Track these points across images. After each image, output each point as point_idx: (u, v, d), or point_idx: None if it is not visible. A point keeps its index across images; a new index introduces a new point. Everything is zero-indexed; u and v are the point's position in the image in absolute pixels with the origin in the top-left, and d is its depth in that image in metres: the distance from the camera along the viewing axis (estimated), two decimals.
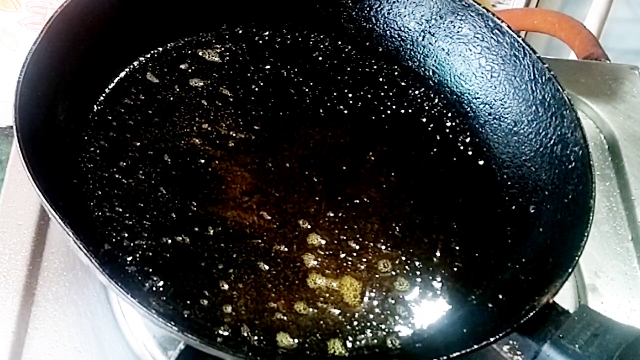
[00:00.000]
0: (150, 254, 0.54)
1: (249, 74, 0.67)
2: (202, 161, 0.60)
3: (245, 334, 0.51)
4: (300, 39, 0.71)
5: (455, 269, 0.58)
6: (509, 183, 0.63)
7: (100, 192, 0.56)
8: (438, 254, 0.59)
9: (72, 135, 0.58)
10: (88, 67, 0.60)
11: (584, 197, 0.55)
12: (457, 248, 0.59)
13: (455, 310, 0.56)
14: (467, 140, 0.66)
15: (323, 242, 0.58)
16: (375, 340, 0.53)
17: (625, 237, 0.71)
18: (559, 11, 1.10)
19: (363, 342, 0.53)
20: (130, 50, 0.65)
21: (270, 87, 0.67)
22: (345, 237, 0.58)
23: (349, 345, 0.53)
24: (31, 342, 0.58)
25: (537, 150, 0.62)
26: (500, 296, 0.54)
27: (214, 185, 0.59)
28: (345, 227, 0.59)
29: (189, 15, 0.67)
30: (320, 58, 0.70)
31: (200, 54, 0.67)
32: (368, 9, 0.70)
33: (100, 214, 0.55)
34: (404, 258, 0.58)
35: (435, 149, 0.66)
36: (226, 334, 0.51)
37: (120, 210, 0.55)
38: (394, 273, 0.57)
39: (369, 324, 0.54)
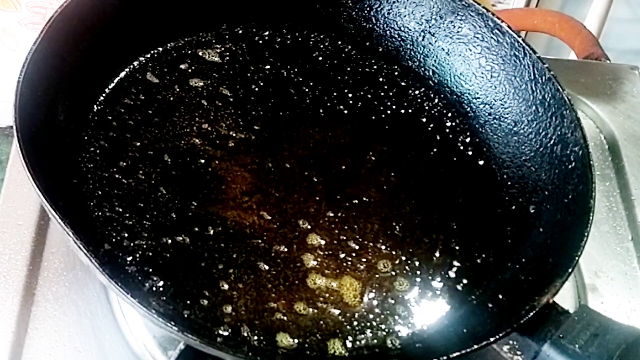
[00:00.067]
0: (150, 254, 0.54)
1: (249, 74, 0.67)
2: (202, 161, 0.60)
3: (245, 334, 0.51)
4: (300, 39, 0.71)
5: (455, 269, 0.58)
6: (509, 183, 0.63)
7: (100, 192, 0.56)
8: (438, 254, 0.59)
9: (72, 135, 0.58)
10: (88, 67, 0.60)
11: (584, 197, 0.55)
12: (457, 248, 0.59)
13: (455, 310, 0.56)
14: (467, 140, 0.66)
15: (323, 242, 0.58)
16: (375, 340, 0.53)
17: (625, 237, 0.71)
18: (559, 11, 1.10)
19: (363, 342, 0.53)
20: (130, 50, 0.65)
21: (270, 87, 0.67)
22: (345, 237, 0.58)
23: (349, 345, 0.53)
24: (31, 342, 0.58)
25: (537, 150, 0.62)
26: (500, 296, 0.54)
27: (214, 185, 0.59)
28: (345, 227, 0.59)
29: (189, 15, 0.67)
30: (320, 58, 0.70)
31: (200, 54, 0.67)
32: (368, 9, 0.70)
33: (100, 214, 0.55)
34: (403, 258, 0.58)
35: (435, 149, 0.66)
36: (226, 334, 0.51)
37: (120, 210, 0.55)
38: (393, 273, 0.57)
39: (368, 324, 0.54)
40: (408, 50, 0.70)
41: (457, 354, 0.47)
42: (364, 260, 0.57)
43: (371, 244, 0.58)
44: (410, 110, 0.68)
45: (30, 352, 0.57)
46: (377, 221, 0.60)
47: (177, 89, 0.64)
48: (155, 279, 0.52)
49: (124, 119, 0.61)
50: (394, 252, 0.58)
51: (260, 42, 0.70)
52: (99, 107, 0.61)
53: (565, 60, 0.99)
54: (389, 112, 0.67)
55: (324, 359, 0.52)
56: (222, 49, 0.68)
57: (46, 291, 0.60)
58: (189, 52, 0.67)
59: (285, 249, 0.57)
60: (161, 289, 0.52)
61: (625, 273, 0.69)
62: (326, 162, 0.63)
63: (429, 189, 0.63)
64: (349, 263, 0.57)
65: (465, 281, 0.57)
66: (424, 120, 0.67)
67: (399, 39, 0.70)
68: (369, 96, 0.68)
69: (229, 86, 0.66)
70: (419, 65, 0.70)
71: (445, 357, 0.46)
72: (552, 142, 0.61)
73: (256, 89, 0.66)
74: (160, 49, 0.66)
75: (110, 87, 0.62)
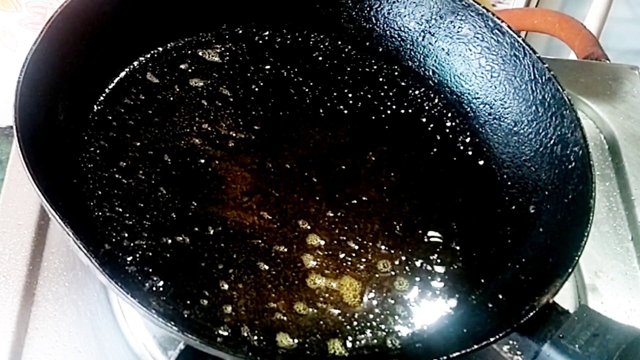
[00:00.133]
0: (150, 254, 0.54)
1: (249, 74, 0.67)
2: (202, 161, 0.60)
3: (245, 334, 0.51)
4: (300, 39, 0.71)
5: (455, 269, 0.58)
6: (509, 183, 0.63)
7: (100, 192, 0.56)
8: (438, 253, 0.59)
9: (72, 135, 0.58)
10: (88, 67, 0.60)
11: (584, 197, 0.55)
12: (457, 248, 0.59)
13: (455, 310, 0.56)
14: (467, 140, 0.66)
15: (322, 242, 0.58)
16: (375, 340, 0.53)
17: (625, 237, 0.71)
18: (559, 11, 1.10)
19: (363, 342, 0.53)
20: (130, 50, 0.65)
21: (270, 87, 0.67)
22: (344, 237, 0.58)
23: (349, 345, 0.53)
24: (31, 342, 0.58)
25: (537, 150, 0.62)
26: (500, 296, 0.54)
27: (214, 185, 0.59)
28: (345, 227, 0.59)
29: (189, 15, 0.67)
30: (320, 58, 0.70)
31: (200, 54, 0.67)
32: (368, 9, 0.70)
33: (100, 214, 0.55)
34: (403, 258, 0.58)
35: (435, 149, 0.66)
36: (226, 334, 0.51)
37: (120, 210, 0.55)
38: (393, 273, 0.57)
39: (368, 324, 0.54)
40: (408, 50, 0.70)
41: (457, 354, 0.47)
42: (363, 260, 0.57)
43: (371, 244, 0.58)
44: (410, 110, 0.68)
45: (30, 352, 0.57)
46: (377, 221, 0.60)
47: (177, 89, 0.64)
48: (155, 279, 0.52)
49: (124, 119, 0.61)
50: (393, 252, 0.58)
51: (260, 42, 0.70)
52: (99, 107, 0.61)
53: (565, 60, 0.99)
54: (389, 112, 0.67)
55: (324, 359, 0.52)
56: (222, 49, 0.68)
57: (46, 291, 0.60)
58: (189, 52, 0.67)
59: (285, 249, 0.57)
60: (161, 289, 0.52)
61: (625, 273, 0.69)
62: (326, 162, 0.63)
63: (429, 189, 0.63)
64: (349, 263, 0.57)
65: (465, 281, 0.57)
66: (424, 120, 0.67)
67: (399, 39, 0.70)
68: (369, 96, 0.68)
69: (229, 86, 0.66)
70: (419, 65, 0.70)
71: (445, 357, 0.47)
72: (552, 142, 0.61)
73: (256, 89, 0.66)
74: (160, 49, 0.66)
75: (110, 87, 0.62)
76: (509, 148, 0.64)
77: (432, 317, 0.55)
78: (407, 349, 0.53)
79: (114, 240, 0.54)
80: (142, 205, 0.56)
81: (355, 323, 0.54)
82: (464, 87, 0.67)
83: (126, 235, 0.54)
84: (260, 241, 0.57)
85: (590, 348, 0.47)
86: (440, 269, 0.58)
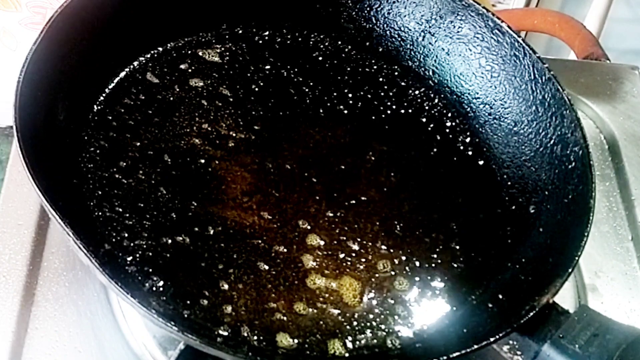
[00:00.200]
0: (150, 254, 0.54)
1: (249, 74, 0.67)
2: (202, 161, 0.60)
3: (245, 334, 0.51)
4: (300, 39, 0.71)
5: (455, 269, 0.58)
6: (509, 183, 0.63)
7: (100, 192, 0.56)
8: (438, 254, 0.59)
9: (72, 135, 0.58)
10: (88, 67, 0.60)
11: (584, 197, 0.55)
12: (457, 248, 0.59)
13: (455, 310, 0.56)
14: (467, 140, 0.66)
15: (322, 242, 0.58)
16: (375, 340, 0.53)
17: (625, 237, 0.71)
18: (559, 11, 1.10)
19: (363, 342, 0.53)
20: (130, 50, 0.65)
21: (270, 87, 0.67)
22: (344, 237, 0.58)
23: (349, 345, 0.53)
24: (31, 342, 0.58)
25: (537, 150, 0.62)
26: (500, 296, 0.54)
27: (214, 185, 0.59)
28: (345, 227, 0.59)
29: (189, 15, 0.67)
30: (320, 58, 0.70)
31: (200, 54, 0.67)
32: (368, 9, 0.70)
33: (100, 214, 0.55)
34: (403, 258, 0.58)
35: (435, 149, 0.66)
36: (226, 334, 0.51)
37: (120, 210, 0.55)
38: (393, 273, 0.57)
39: (368, 324, 0.54)
40: (408, 50, 0.70)
41: (457, 354, 0.47)
42: (363, 260, 0.57)
43: (371, 244, 0.58)
44: (410, 110, 0.68)
45: (30, 352, 0.57)
46: (377, 221, 0.60)
47: (177, 89, 0.64)
48: (155, 279, 0.52)
49: (124, 119, 0.61)
50: (393, 252, 0.58)
51: (260, 42, 0.70)
52: (99, 107, 0.61)
53: (565, 60, 0.99)
54: (389, 112, 0.67)
55: (323, 359, 0.52)
56: (222, 49, 0.68)
57: (46, 291, 0.60)
58: (189, 52, 0.67)
59: (285, 249, 0.57)
60: (161, 289, 0.52)
61: (625, 273, 0.69)
62: (326, 162, 0.63)
63: (429, 189, 0.63)
64: (349, 263, 0.57)
65: (465, 281, 0.57)
66: (424, 120, 0.67)
67: (399, 39, 0.70)
68: (369, 96, 0.68)
69: (229, 86, 0.66)
70: (419, 65, 0.70)
71: (445, 357, 0.47)
72: (552, 142, 0.61)
73: (256, 89, 0.66)
74: (160, 49, 0.66)
75: (110, 87, 0.62)
76: (509, 148, 0.64)
77: (432, 317, 0.55)
78: (407, 349, 0.53)
79: (114, 240, 0.54)
80: (142, 205, 0.56)
81: (355, 323, 0.54)
82: (464, 87, 0.67)
83: (126, 235, 0.54)
84: (260, 241, 0.57)
85: (590, 348, 0.47)
86: (440, 269, 0.58)
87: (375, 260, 0.58)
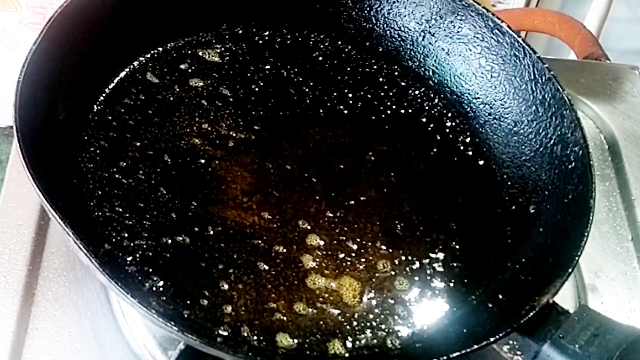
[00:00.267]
0: (150, 254, 0.54)
1: (249, 74, 0.67)
2: (202, 161, 0.60)
3: (245, 334, 0.51)
4: (300, 39, 0.71)
5: (455, 269, 0.58)
6: (509, 183, 0.63)
7: (100, 192, 0.56)
8: (438, 254, 0.59)
9: (72, 135, 0.58)
10: (88, 67, 0.60)
11: (584, 197, 0.55)
12: (457, 248, 0.59)
13: (455, 310, 0.56)
14: (467, 140, 0.66)
15: (322, 242, 0.58)
16: (375, 340, 0.53)
17: (625, 237, 0.71)
18: (559, 11, 1.10)
19: (363, 342, 0.53)
20: (130, 50, 0.65)
21: (270, 87, 0.67)
22: (344, 238, 0.58)
23: (349, 345, 0.53)
24: (31, 342, 0.58)
25: (537, 150, 0.62)
26: (500, 296, 0.54)
27: (214, 185, 0.59)
28: (345, 227, 0.59)
29: (189, 15, 0.67)
30: (320, 58, 0.70)
31: (200, 54, 0.67)
32: (368, 9, 0.70)
33: (100, 214, 0.55)
34: (403, 258, 0.58)
35: (435, 149, 0.66)
36: (226, 334, 0.51)
37: (120, 210, 0.55)
38: (393, 273, 0.57)
39: (368, 324, 0.54)
40: (408, 50, 0.70)
41: (457, 354, 0.47)
42: (363, 260, 0.57)
43: (370, 244, 0.58)
44: (410, 110, 0.68)
45: (30, 352, 0.57)
46: (377, 221, 0.60)
47: (177, 89, 0.64)
48: (155, 279, 0.52)
49: (124, 119, 0.61)
50: (393, 252, 0.58)
51: (260, 42, 0.70)
52: (99, 107, 0.61)
53: (565, 60, 0.99)
54: (389, 112, 0.67)
55: (323, 359, 0.52)
56: (222, 49, 0.68)
57: (46, 291, 0.60)
58: (189, 52, 0.67)
59: (285, 250, 0.57)
60: (161, 289, 0.52)
61: (625, 273, 0.69)
62: (326, 162, 0.63)
63: (429, 189, 0.63)
64: (349, 263, 0.57)
65: (465, 281, 0.57)
66: (424, 120, 0.67)
67: (399, 39, 0.70)
68: (369, 96, 0.68)
69: (229, 86, 0.66)
70: (419, 65, 0.70)
71: (445, 357, 0.47)
72: (552, 142, 0.61)
73: (256, 89, 0.66)
74: (160, 49, 0.66)
75: (110, 87, 0.62)
76: (509, 148, 0.64)
77: (432, 317, 0.55)
78: (407, 349, 0.53)
79: (114, 240, 0.53)
80: (142, 205, 0.56)
81: (355, 323, 0.54)
82: (464, 87, 0.67)
83: (126, 235, 0.54)
84: (260, 241, 0.57)
85: (590, 348, 0.47)
86: (440, 269, 0.58)
87: (375, 260, 0.58)
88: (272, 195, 0.60)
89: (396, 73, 0.70)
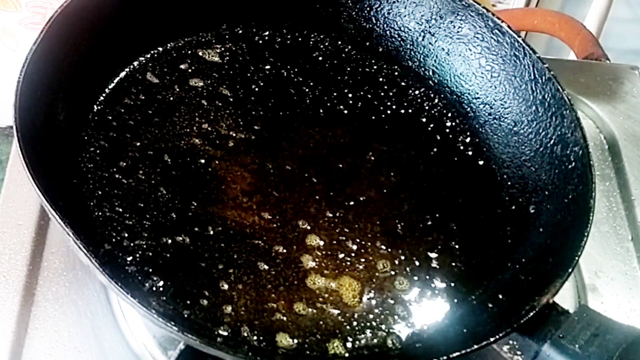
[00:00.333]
0: (150, 254, 0.54)
1: (249, 74, 0.67)
2: (202, 161, 0.60)
3: (245, 334, 0.51)
4: (300, 39, 0.71)
5: (455, 269, 0.58)
6: (509, 183, 0.63)
7: (100, 192, 0.56)
8: (438, 254, 0.59)
9: (72, 135, 0.58)
10: (88, 67, 0.60)
11: (584, 197, 0.55)
12: (457, 248, 0.59)
13: (455, 310, 0.56)
14: (467, 140, 0.66)
15: (322, 242, 0.58)
16: (375, 340, 0.53)
17: (625, 237, 0.71)
18: (559, 11, 1.10)
19: (363, 342, 0.53)
20: (130, 50, 0.65)
21: (270, 87, 0.67)
22: (344, 238, 0.58)
23: (349, 345, 0.53)
24: (31, 342, 0.58)
25: (537, 150, 0.62)
26: (500, 296, 0.54)
27: (214, 185, 0.59)
28: (345, 227, 0.59)
29: (189, 15, 0.67)
30: (320, 58, 0.70)
31: (200, 54, 0.67)
32: (368, 9, 0.70)
33: (100, 214, 0.55)
34: (403, 258, 0.58)
35: (435, 149, 0.66)
36: (226, 334, 0.51)
37: (120, 210, 0.55)
38: (393, 273, 0.57)
39: (368, 324, 0.54)
40: (408, 50, 0.70)
41: (457, 354, 0.47)
42: (363, 260, 0.57)
43: (370, 244, 0.58)
44: (410, 110, 0.68)
45: (30, 352, 0.57)
46: (376, 221, 0.60)
47: (177, 89, 0.64)
48: (155, 279, 0.52)
49: (124, 119, 0.61)
50: (393, 252, 0.58)
51: (260, 42, 0.70)
52: (99, 107, 0.61)
53: (565, 60, 0.99)
54: (389, 112, 0.67)
55: (323, 359, 0.52)
56: (222, 49, 0.68)
57: (46, 291, 0.60)
58: (189, 52, 0.67)
59: (285, 250, 0.57)
60: (161, 289, 0.52)
61: (625, 273, 0.69)
62: (326, 162, 0.63)
63: (429, 189, 0.63)
64: (348, 263, 0.57)
65: (465, 281, 0.57)
66: (424, 120, 0.67)
67: (399, 39, 0.70)
68: (369, 96, 0.68)
69: (229, 86, 0.66)
70: (419, 65, 0.70)
71: (445, 357, 0.47)
72: (552, 142, 0.61)
73: (256, 89, 0.66)
74: (160, 49, 0.66)
75: (110, 87, 0.62)
76: (509, 148, 0.64)
77: (432, 317, 0.55)
78: (407, 349, 0.53)
79: (114, 240, 0.54)
80: (142, 205, 0.56)
81: (355, 323, 0.54)
82: (464, 87, 0.67)
83: (126, 235, 0.54)
84: (260, 241, 0.57)
85: (590, 348, 0.47)
86: (440, 269, 0.58)
87: (375, 260, 0.58)
88: (272, 195, 0.60)
89: (396, 73, 0.70)
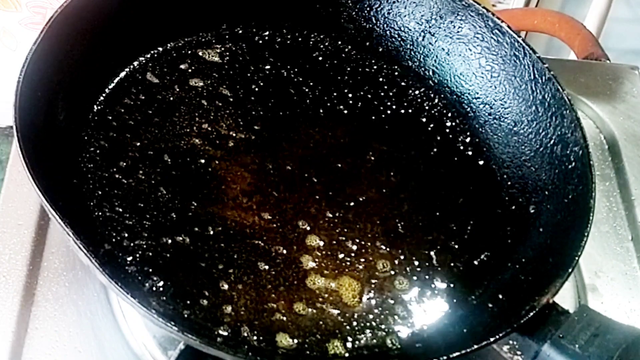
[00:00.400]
0: (150, 254, 0.54)
1: (249, 74, 0.67)
2: (202, 161, 0.60)
3: (245, 334, 0.51)
4: (300, 39, 0.71)
5: (455, 269, 0.58)
6: (509, 183, 0.63)
7: (100, 192, 0.56)
8: (438, 253, 0.59)
9: (72, 135, 0.58)
10: (88, 67, 0.60)
11: (584, 197, 0.55)
12: (457, 248, 0.59)
13: (455, 310, 0.56)
14: (467, 140, 0.66)
15: (322, 242, 0.58)
16: (375, 341, 0.53)
17: (625, 237, 0.71)
18: (559, 11, 1.10)
19: (363, 342, 0.53)
20: (130, 50, 0.65)
21: (270, 87, 0.67)
22: (344, 238, 0.58)
23: (349, 345, 0.53)
24: (31, 342, 0.58)
25: (537, 150, 0.62)
26: (500, 296, 0.54)
27: (214, 185, 0.59)
28: (345, 227, 0.59)
29: (189, 15, 0.67)
30: (320, 58, 0.70)
31: (200, 54, 0.67)
32: (368, 9, 0.70)
33: (100, 214, 0.55)
34: (403, 258, 0.58)
35: (435, 149, 0.66)
36: (226, 334, 0.51)
37: (120, 210, 0.55)
38: (393, 273, 0.57)
39: (368, 324, 0.54)
40: (408, 50, 0.70)
41: (457, 354, 0.47)
42: (362, 260, 0.57)
43: (370, 244, 0.58)
44: (410, 110, 0.68)
45: (30, 352, 0.57)
46: (376, 221, 0.60)
47: (177, 89, 0.64)
48: (155, 279, 0.52)
49: (124, 119, 0.61)
50: (393, 252, 0.58)
51: (260, 42, 0.70)
52: (99, 107, 0.61)
53: (565, 60, 0.99)
54: (389, 112, 0.67)
55: (323, 359, 0.52)
56: (222, 49, 0.68)
57: (46, 291, 0.60)
58: (189, 52, 0.67)
59: (285, 250, 0.57)
60: (161, 289, 0.52)
61: (625, 273, 0.69)
62: (326, 162, 0.63)
63: (429, 189, 0.63)
64: (348, 263, 0.57)
65: (465, 281, 0.57)
66: (424, 120, 0.67)
67: (399, 39, 0.70)
68: (369, 96, 0.68)
69: (229, 86, 0.66)
70: (419, 65, 0.70)
71: (445, 357, 0.46)
72: (552, 142, 0.61)
73: (256, 89, 0.66)
74: (160, 49, 0.66)
75: (110, 87, 0.62)
76: (509, 148, 0.64)
77: (432, 317, 0.55)
78: (407, 349, 0.53)
79: (114, 240, 0.54)
80: (142, 205, 0.56)
81: (354, 323, 0.54)
82: (464, 87, 0.67)
83: (126, 235, 0.54)
84: (260, 241, 0.57)
85: (590, 348, 0.47)
86: (440, 269, 0.58)
87: (375, 260, 0.58)
88: (272, 196, 0.60)
89: (396, 73, 0.70)
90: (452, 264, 0.58)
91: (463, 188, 0.63)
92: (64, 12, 0.56)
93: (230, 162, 0.61)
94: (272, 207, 0.59)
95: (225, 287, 0.54)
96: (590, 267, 0.68)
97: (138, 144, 0.60)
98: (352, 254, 0.57)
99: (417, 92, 0.69)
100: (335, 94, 0.68)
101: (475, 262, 0.59)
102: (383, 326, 0.54)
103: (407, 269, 0.58)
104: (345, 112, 0.67)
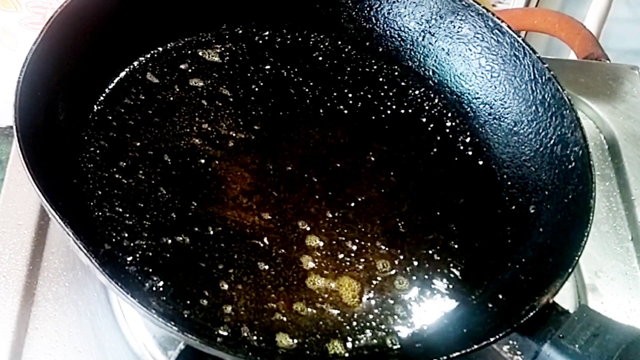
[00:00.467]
0: (150, 254, 0.54)
1: (249, 74, 0.67)
2: (202, 161, 0.60)
3: (245, 334, 0.51)
4: (300, 39, 0.71)
5: (455, 269, 0.58)
6: (509, 183, 0.63)
7: (100, 192, 0.56)
8: (438, 254, 0.59)
9: (72, 135, 0.58)
10: (88, 67, 0.60)
11: (584, 197, 0.55)
12: (457, 248, 0.59)
13: (455, 310, 0.56)
14: (467, 140, 0.66)
15: (322, 243, 0.58)
16: (375, 341, 0.53)
17: (625, 237, 0.71)
18: (559, 11, 1.10)
19: (363, 342, 0.53)
20: (130, 50, 0.65)
21: (270, 87, 0.67)
22: (344, 238, 0.58)
23: (349, 345, 0.53)
24: (31, 342, 0.58)
25: (537, 150, 0.62)
26: (500, 296, 0.54)
27: (214, 185, 0.59)
28: (345, 227, 0.59)
29: (189, 15, 0.67)
30: (320, 58, 0.70)
31: (200, 54, 0.67)
32: (368, 9, 0.70)
33: (100, 214, 0.55)
34: (403, 258, 0.58)
35: (435, 149, 0.66)
36: (226, 334, 0.51)
37: (120, 210, 0.55)
38: (393, 273, 0.57)
39: (368, 324, 0.54)
40: (408, 50, 0.70)
41: (457, 354, 0.47)
42: (362, 260, 0.57)
43: (370, 244, 0.58)
44: (410, 110, 0.68)
45: (30, 352, 0.57)
46: (376, 221, 0.60)
47: (177, 89, 0.64)
48: (155, 279, 0.52)
49: (124, 119, 0.61)
50: (393, 252, 0.58)
51: (260, 42, 0.70)
52: (99, 107, 0.61)
53: (565, 60, 0.99)
54: (389, 112, 0.67)
55: (323, 359, 0.52)
56: (222, 49, 0.68)
57: (46, 291, 0.60)
58: (189, 52, 0.67)
59: (285, 250, 0.57)
60: (161, 289, 0.52)
61: (625, 273, 0.69)
62: (326, 162, 0.63)
63: (428, 189, 0.63)
64: (348, 263, 0.57)
65: (465, 281, 0.57)
66: (424, 120, 0.67)
67: (399, 39, 0.70)
68: (369, 96, 0.68)
69: (229, 86, 0.66)
70: (419, 65, 0.70)
71: (445, 357, 0.47)
72: (552, 142, 0.61)
73: (256, 89, 0.66)
74: (160, 49, 0.66)
75: (110, 87, 0.62)
76: (509, 148, 0.64)
77: (432, 317, 0.55)
78: (407, 349, 0.53)
79: (114, 240, 0.54)
80: (142, 205, 0.56)
81: (354, 323, 0.54)
82: (464, 87, 0.67)
83: (126, 235, 0.54)
84: (260, 241, 0.57)
85: (590, 348, 0.47)
86: (440, 269, 0.58)
87: (375, 260, 0.58)
88: (272, 196, 0.60)
89: (396, 73, 0.70)
90: (452, 264, 0.58)
91: (463, 188, 0.63)
92: (64, 12, 0.56)
93: (230, 162, 0.61)
94: (272, 207, 0.59)
95: (225, 287, 0.54)
96: (590, 267, 0.68)
97: (138, 144, 0.60)
98: (352, 254, 0.57)
99: (417, 92, 0.69)
100: (335, 94, 0.68)
101: (475, 262, 0.59)
102: (383, 326, 0.54)
103: (407, 269, 0.58)
104: (345, 112, 0.67)
